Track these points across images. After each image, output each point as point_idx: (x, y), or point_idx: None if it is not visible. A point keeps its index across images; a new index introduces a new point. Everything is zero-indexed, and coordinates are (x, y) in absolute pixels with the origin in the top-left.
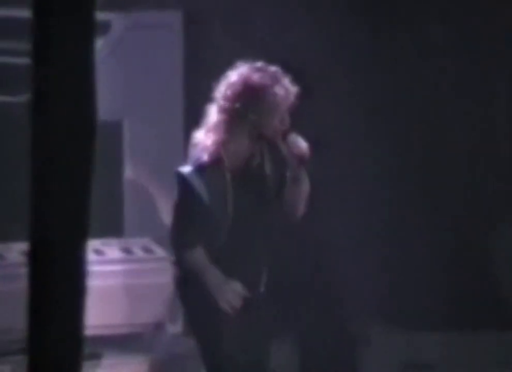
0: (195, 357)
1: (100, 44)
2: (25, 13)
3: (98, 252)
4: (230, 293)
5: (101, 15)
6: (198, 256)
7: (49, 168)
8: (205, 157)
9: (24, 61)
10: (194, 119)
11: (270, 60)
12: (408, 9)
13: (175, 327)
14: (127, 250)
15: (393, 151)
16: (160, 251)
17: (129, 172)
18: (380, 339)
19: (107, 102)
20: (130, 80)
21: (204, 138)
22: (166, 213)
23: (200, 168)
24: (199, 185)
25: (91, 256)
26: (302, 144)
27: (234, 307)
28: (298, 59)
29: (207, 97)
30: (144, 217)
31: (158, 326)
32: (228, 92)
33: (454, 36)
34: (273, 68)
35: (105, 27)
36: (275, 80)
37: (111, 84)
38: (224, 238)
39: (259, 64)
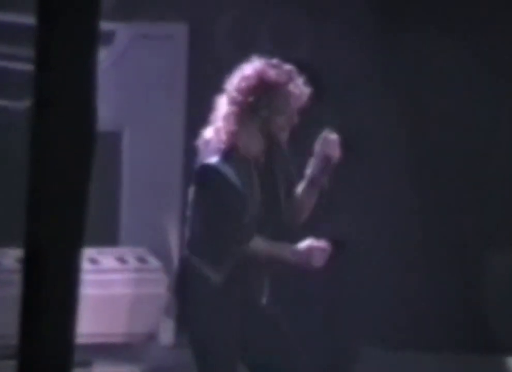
0: (185, 369)
1: (103, 53)
2: (27, 19)
3: (93, 261)
4: (315, 249)
5: (105, 25)
6: (261, 243)
7: (46, 175)
8: (225, 146)
9: (26, 67)
10: (195, 130)
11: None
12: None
13: (167, 339)
14: (121, 260)
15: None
16: (154, 262)
17: (126, 181)
18: (371, 358)
19: (108, 112)
20: (132, 90)
21: (216, 130)
22: (162, 224)
23: (227, 157)
24: (231, 175)
25: (86, 265)
26: (333, 143)
27: (324, 258)
28: (303, 72)
29: (209, 110)
30: (140, 227)
31: (150, 337)
32: (243, 85)
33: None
34: (288, 66)
35: (110, 37)
36: (290, 78)
37: (113, 94)
38: (251, 230)
39: (274, 61)
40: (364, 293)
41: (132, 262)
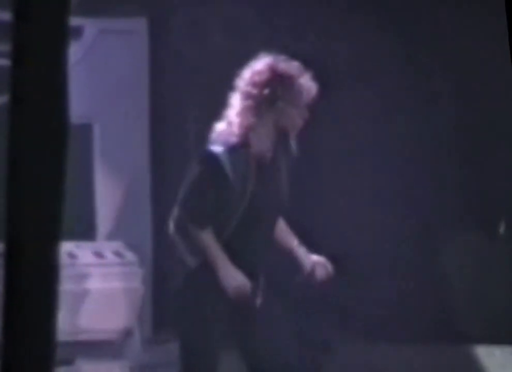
0: (164, 364)
1: (72, 48)
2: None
3: (71, 255)
4: (239, 281)
5: (74, 20)
6: (209, 237)
7: (22, 170)
8: (233, 139)
9: (4, 62)
10: (159, 122)
11: (233, 68)
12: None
13: (145, 334)
14: (99, 254)
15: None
16: (130, 256)
17: (99, 175)
18: (342, 349)
19: (78, 105)
20: (100, 84)
21: (229, 123)
22: (136, 217)
23: (229, 149)
24: (228, 166)
25: (64, 259)
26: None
27: (243, 295)
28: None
29: (171, 101)
30: (116, 221)
31: (128, 332)
32: (256, 79)
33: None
34: (295, 62)
35: (78, 32)
36: (300, 72)
37: (83, 88)
38: (232, 228)
39: (282, 57)
40: (336, 286)
41: (109, 256)
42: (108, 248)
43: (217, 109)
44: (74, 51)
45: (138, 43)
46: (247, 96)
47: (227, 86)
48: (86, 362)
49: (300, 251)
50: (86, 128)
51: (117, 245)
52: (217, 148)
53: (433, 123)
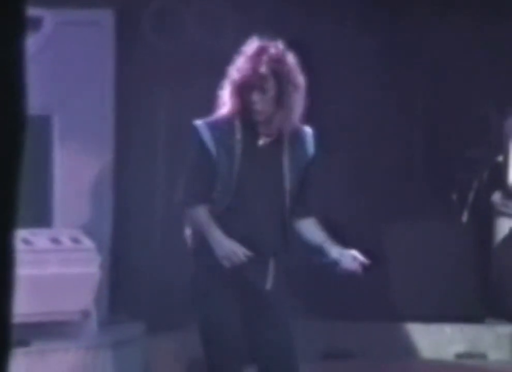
0: (119, 343)
1: (31, 40)
2: None
3: (26, 242)
4: (230, 249)
5: (32, 11)
6: (200, 213)
7: None
8: (219, 113)
9: None
10: (124, 115)
11: (202, 59)
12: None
13: (101, 315)
14: (55, 240)
15: None
16: (88, 242)
17: (58, 163)
18: (300, 327)
19: (37, 97)
20: (60, 75)
21: (222, 104)
22: (93, 206)
23: (212, 121)
24: (209, 139)
25: (19, 245)
26: (356, 260)
27: (234, 262)
28: (232, 59)
29: (137, 94)
30: (73, 209)
31: (85, 314)
32: (250, 62)
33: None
34: (284, 45)
35: (37, 23)
36: (289, 55)
37: (42, 79)
38: (227, 200)
39: (273, 41)
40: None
41: (66, 242)
42: (65, 234)
43: (186, 101)
44: (33, 42)
45: (104, 35)
46: (242, 79)
47: (197, 79)
48: (42, 343)
49: (330, 245)
50: (46, 119)
51: (74, 232)
52: (198, 121)
53: (400, 106)
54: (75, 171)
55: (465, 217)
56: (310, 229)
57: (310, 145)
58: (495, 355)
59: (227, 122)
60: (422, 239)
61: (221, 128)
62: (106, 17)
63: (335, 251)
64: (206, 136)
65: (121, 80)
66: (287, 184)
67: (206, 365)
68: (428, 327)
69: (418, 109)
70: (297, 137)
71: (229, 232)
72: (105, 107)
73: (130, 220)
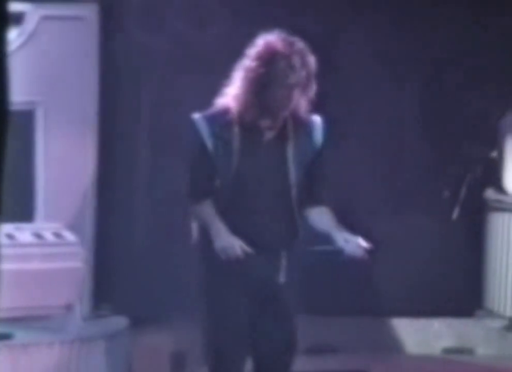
0: (103, 337)
1: (13, 34)
2: None
3: (10, 236)
4: (227, 242)
5: (15, 6)
6: (204, 208)
7: None
8: (217, 106)
9: None
10: (108, 110)
11: (185, 53)
12: None
13: (85, 309)
14: (38, 235)
15: None
16: (71, 236)
17: (40, 158)
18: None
19: (20, 91)
20: (44, 70)
21: (226, 95)
22: (76, 200)
23: (209, 115)
24: (206, 133)
25: (3, 240)
26: (360, 246)
27: (230, 255)
28: (217, 53)
29: (120, 89)
30: (55, 204)
31: (68, 308)
32: (252, 51)
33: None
34: (298, 41)
35: (19, 18)
36: (296, 52)
37: (25, 74)
38: (228, 197)
39: (284, 35)
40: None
41: (49, 237)
42: (48, 229)
43: (171, 96)
44: (16, 37)
45: (88, 30)
46: (246, 73)
47: (182, 73)
48: (26, 337)
49: (336, 232)
50: (29, 114)
51: (56, 226)
52: (196, 115)
53: (394, 106)
54: (58, 165)
55: (456, 213)
56: (318, 216)
57: (318, 135)
58: (483, 350)
59: (226, 115)
60: (412, 234)
61: (219, 122)
62: (90, 12)
63: (340, 237)
64: (204, 130)
65: (105, 75)
66: (293, 177)
67: (208, 355)
68: (416, 322)
69: (412, 103)
70: (303, 128)
71: (234, 228)
72: (89, 102)
73: (114, 215)
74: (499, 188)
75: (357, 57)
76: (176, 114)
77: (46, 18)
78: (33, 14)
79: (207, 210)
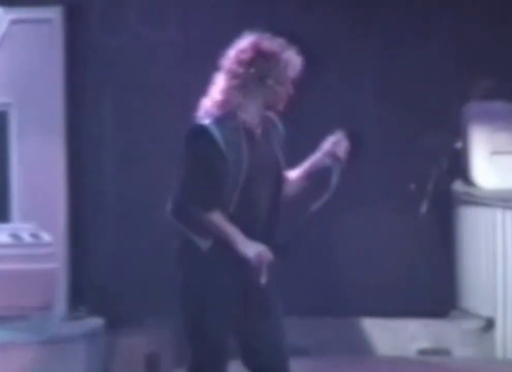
0: (78, 337)
1: None
2: None
3: None
4: (260, 247)
5: None
6: (219, 217)
7: None
8: (221, 112)
9: None
10: (74, 109)
11: (149, 56)
12: None
13: (61, 310)
14: (15, 236)
15: None
16: (47, 237)
17: (14, 159)
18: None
19: None
20: (15, 73)
21: (214, 102)
22: (49, 201)
23: (217, 121)
24: (218, 136)
25: None
26: (343, 146)
27: (266, 259)
28: (180, 54)
29: (85, 89)
30: (30, 204)
31: (45, 309)
32: (241, 57)
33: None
34: (279, 39)
35: None
36: (284, 48)
37: None
38: (235, 198)
39: (266, 35)
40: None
41: (26, 238)
42: (25, 230)
43: (134, 97)
44: None
45: (54, 32)
46: (233, 75)
47: (145, 75)
48: (2, 338)
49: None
50: (2, 116)
51: (32, 227)
52: (204, 121)
53: (357, 99)
54: (31, 166)
55: (424, 207)
56: (293, 178)
57: (280, 127)
58: (459, 351)
59: (233, 120)
60: (381, 231)
61: (228, 127)
62: (55, 14)
63: (320, 154)
64: (218, 136)
65: (70, 76)
66: (283, 168)
67: (192, 351)
68: (390, 323)
69: (374, 95)
70: (270, 122)
71: (242, 230)
72: (56, 103)
73: (87, 215)
74: (467, 180)
75: (315, 49)
76: (139, 112)
77: (15, 22)
78: (2, 19)
79: (220, 217)
